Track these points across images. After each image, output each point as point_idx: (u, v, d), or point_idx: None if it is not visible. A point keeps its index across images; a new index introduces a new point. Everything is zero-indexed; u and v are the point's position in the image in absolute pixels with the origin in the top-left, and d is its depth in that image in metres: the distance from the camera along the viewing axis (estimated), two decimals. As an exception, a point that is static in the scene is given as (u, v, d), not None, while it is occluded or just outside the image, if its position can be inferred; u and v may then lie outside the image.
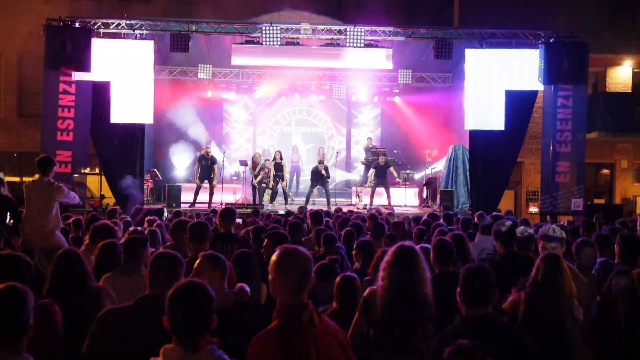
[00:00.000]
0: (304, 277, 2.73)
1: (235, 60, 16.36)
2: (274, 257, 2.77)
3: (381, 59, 16.24)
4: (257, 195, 16.66)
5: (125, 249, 4.65)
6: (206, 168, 16.09)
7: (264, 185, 16.90)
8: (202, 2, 20.06)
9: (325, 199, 16.08)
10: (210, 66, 18.41)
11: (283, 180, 16.78)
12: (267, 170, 16.87)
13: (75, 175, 14.85)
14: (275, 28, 15.12)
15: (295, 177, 18.67)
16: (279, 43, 15.26)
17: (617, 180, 21.19)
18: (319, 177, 16.02)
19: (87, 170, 16.27)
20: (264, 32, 15.10)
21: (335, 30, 15.83)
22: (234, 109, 21.01)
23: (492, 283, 3.27)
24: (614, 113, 18.57)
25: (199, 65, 18.25)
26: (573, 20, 18.67)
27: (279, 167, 16.61)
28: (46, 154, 8.09)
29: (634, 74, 21.13)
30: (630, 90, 20.94)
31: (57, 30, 14.34)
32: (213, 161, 16.21)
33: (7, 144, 20.45)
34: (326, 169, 16.14)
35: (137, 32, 15.18)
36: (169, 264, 3.23)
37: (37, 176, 7.21)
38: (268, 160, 17.40)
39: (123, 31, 15.24)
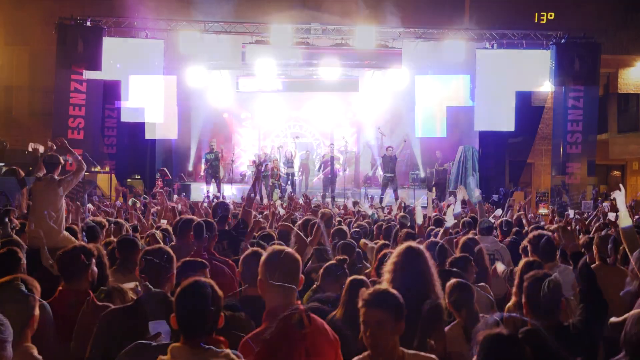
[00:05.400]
0: (290, 278, 2.72)
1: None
2: (262, 259, 2.77)
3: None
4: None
5: (119, 249, 4.65)
6: (213, 167, 16.33)
7: (270, 184, 16.97)
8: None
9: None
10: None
11: (294, 176, 16.97)
12: (275, 170, 16.95)
13: (86, 173, 14.93)
14: (285, 28, 15.18)
15: (304, 177, 18.73)
16: (290, 44, 15.37)
17: (628, 181, 21.02)
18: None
19: (98, 169, 16.37)
20: (273, 32, 15.18)
21: (346, 30, 15.82)
22: (243, 108, 21.03)
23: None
24: (626, 114, 18.42)
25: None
26: (585, 21, 18.56)
27: (289, 165, 16.81)
28: (54, 152, 8.13)
29: (647, 75, 20.96)
30: (642, 92, 20.78)
31: (69, 28, 14.44)
32: (217, 158, 16.66)
33: (19, 142, 20.56)
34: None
35: (147, 31, 15.26)
36: (160, 261, 3.23)
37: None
38: (276, 159, 17.50)
39: (134, 30, 15.34)
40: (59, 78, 14.65)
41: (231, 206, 7.92)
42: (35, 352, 2.71)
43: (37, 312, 2.94)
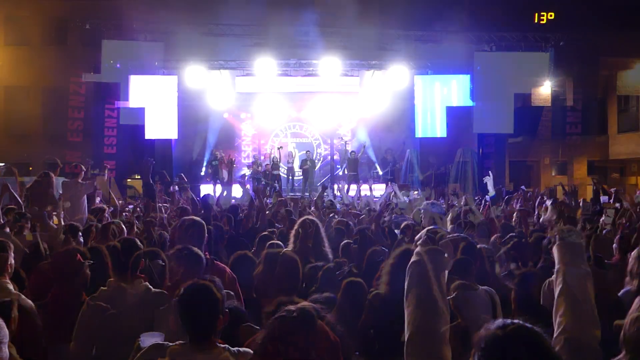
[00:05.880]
0: (289, 278, 2.76)
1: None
2: (260, 260, 2.78)
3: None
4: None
5: (122, 251, 4.63)
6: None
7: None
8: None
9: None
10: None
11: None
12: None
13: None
14: (285, 30, 15.22)
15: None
16: (290, 46, 15.43)
17: (628, 181, 21.03)
18: None
19: (97, 172, 16.42)
20: (272, 35, 15.23)
21: (345, 32, 15.84)
22: (243, 109, 21.03)
23: None
24: (625, 114, 18.45)
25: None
26: (584, 23, 18.56)
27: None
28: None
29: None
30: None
31: (69, 31, 14.45)
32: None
33: (19, 143, 20.55)
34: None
35: (147, 34, 15.27)
36: (158, 263, 3.27)
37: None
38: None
39: (133, 33, 15.34)
40: (58, 81, 14.67)
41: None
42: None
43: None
